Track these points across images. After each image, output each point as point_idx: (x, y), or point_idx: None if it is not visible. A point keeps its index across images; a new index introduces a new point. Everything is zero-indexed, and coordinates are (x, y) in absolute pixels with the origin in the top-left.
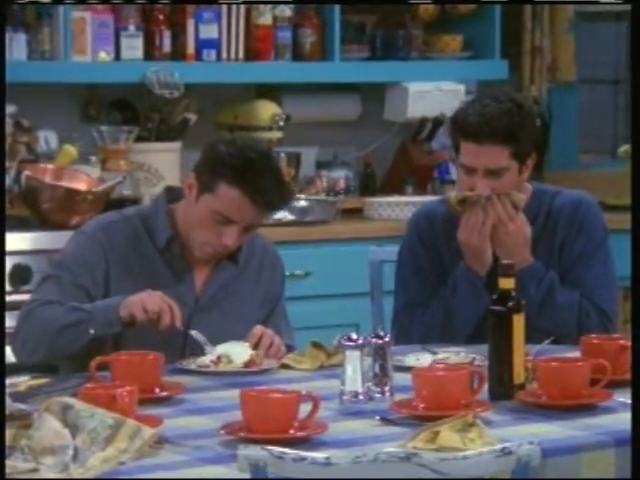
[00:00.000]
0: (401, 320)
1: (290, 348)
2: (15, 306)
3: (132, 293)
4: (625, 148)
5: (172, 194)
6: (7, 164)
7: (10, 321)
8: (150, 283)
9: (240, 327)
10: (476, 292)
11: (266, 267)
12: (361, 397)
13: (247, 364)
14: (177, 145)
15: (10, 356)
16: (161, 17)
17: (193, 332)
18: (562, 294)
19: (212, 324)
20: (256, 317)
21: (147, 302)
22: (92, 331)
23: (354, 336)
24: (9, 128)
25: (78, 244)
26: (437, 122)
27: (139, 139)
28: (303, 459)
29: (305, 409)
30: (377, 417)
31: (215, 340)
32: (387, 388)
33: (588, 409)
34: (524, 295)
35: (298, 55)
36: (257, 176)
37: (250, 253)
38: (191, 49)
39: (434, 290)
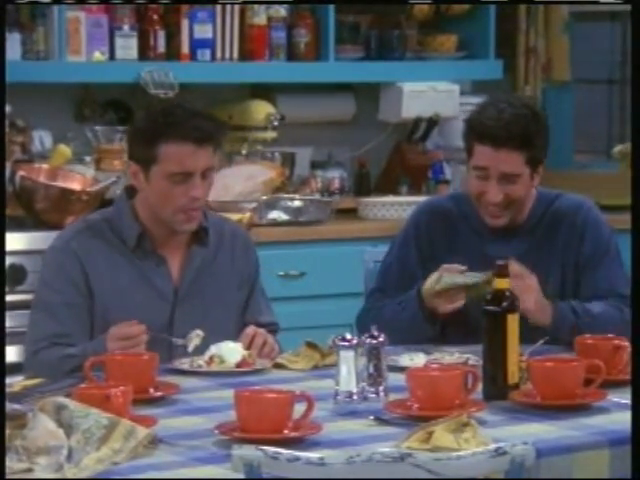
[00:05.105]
0: (370, 302)
1: (273, 325)
2: (11, 306)
3: (113, 295)
4: (619, 148)
5: (131, 191)
6: None
7: (8, 321)
8: (128, 282)
9: (222, 311)
10: (418, 319)
11: (238, 249)
12: (355, 397)
13: (239, 364)
14: None
15: (10, 356)
16: (155, 17)
17: (174, 339)
18: (593, 306)
19: (194, 311)
20: (236, 299)
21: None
22: None
23: (348, 336)
24: None
25: (54, 261)
26: (431, 122)
27: None
28: (297, 459)
29: (299, 409)
30: (371, 417)
31: (199, 327)
32: (381, 388)
33: (582, 409)
34: (575, 331)
35: (292, 55)
36: (184, 119)
37: (219, 237)
38: (185, 49)
39: (407, 288)
